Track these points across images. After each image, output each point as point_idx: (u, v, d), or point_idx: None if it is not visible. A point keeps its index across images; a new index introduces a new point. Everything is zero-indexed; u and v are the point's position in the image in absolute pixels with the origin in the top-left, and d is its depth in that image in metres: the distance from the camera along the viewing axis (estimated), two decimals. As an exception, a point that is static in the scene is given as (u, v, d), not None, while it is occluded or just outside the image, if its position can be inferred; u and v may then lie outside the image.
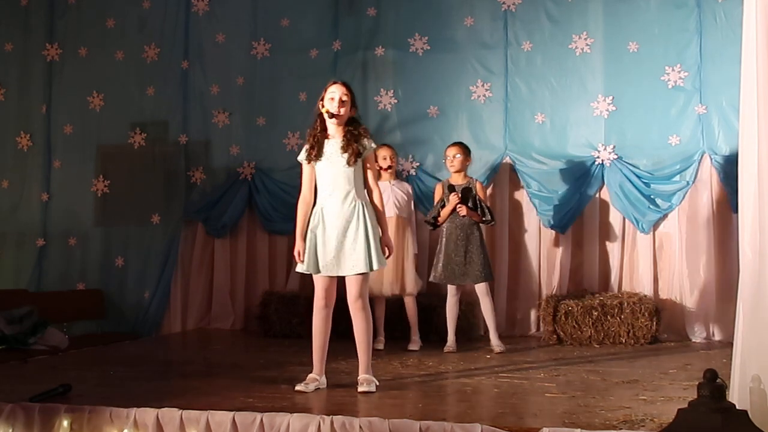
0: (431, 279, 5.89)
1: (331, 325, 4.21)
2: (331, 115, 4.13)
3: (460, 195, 5.75)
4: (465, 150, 5.95)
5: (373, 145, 4.21)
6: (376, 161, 6.09)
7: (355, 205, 4.09)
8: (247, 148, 7.38)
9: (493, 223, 5.94)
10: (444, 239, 5.80)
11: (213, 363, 5.40)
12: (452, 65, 6.97)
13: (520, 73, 6.86)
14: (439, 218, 5.83)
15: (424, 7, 7.06)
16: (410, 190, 6.17)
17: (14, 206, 7.65)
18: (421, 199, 6.81)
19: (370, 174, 4.21)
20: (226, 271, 7.32)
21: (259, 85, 7.38)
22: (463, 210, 5.72)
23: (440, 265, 5.77)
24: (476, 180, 6.04)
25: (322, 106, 4.16)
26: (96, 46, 7.61)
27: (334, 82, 4.21)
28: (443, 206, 5.82)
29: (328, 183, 4.14)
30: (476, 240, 5.75)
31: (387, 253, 4.17)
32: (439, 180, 6.74)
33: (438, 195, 5.94)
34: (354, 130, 4.16)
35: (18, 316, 5.84)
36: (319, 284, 4.14)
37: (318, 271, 4.11)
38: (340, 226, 4.07)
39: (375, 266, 4.07)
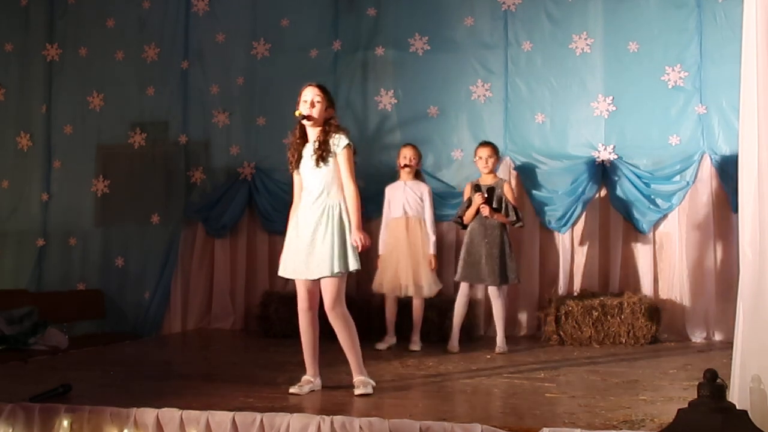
0: (456, 278, 5.87)
1: (318, 327, 4.17)
2: (303, 117, 4.11)
3: (485, 195, 5.72)
4: (497, 151, 5.94)
5: (345, 141, 4.09)
6: (397, 159, 6.09)
7: (325, 207, 4.06)
8: (247, 148, 7.37)
9: (520, 224, 5.86)
10: (467, 239, 5.79)
11: (213, 363, 5.40)
12: (452, 65, 6.97)
13: (520, 73, 6.86)
14: (464, 218, 5.81)
15: (424, 7, 7.06)
16: (426, 192, 6.00)
17: (14, 206, 7.65)
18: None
19: (342, 170, 4.11)
20: (226, 271, 7.31)
21: (259, 85, 7.38)
22: (486, 210, 5.70)
23: (461, 263, 5.76)
24: (505, 180, 5.99)
25: (297, 110, 4.14)
26: (96, 46, 7.61)
27: (309, 85, 4.19)
28: (469, 206, 5.80)
29: (305, 186, 4.16)
30: (497, 241, 5.69)
31: (359, 248, 4.03)
32: (440, 180, 6.79)
33: (465, 195, 5.90)
34: (327, 129, 4.14)
35: (18, 316, 5.84)
36: (299, 287, 4.13)
37: (293, 275, 4.09)
38: (311, 228, 4.05)
39: (342, 268, 3.99)
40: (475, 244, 5.73)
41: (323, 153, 4.08)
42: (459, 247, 6.39)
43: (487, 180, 5.87)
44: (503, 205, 5.77)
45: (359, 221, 4.08)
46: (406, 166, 6.04)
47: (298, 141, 4.21)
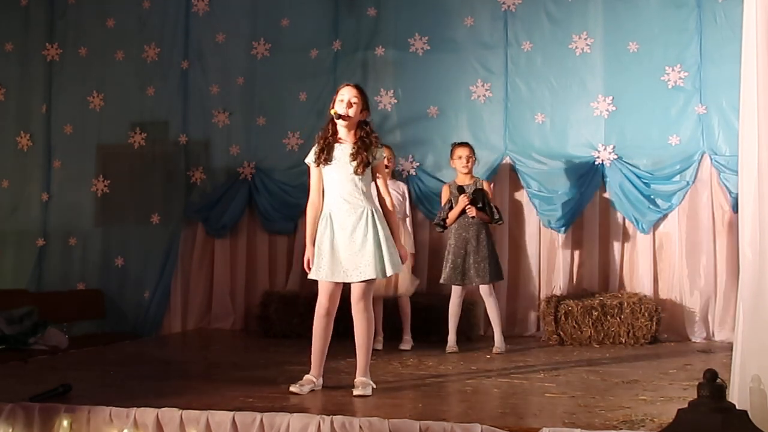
0: (441, 281, 5.87)
1: (332, 331, 4.17)
2: (338, 116, 4.08)
3: (470, 196, 5.73)
4: (474, 151, 5.95)
5: (384, 154, 4.19)
6: None
7: (363, 211, 4.05)
8: (247, 148, 7.37)
9: (501, 222, 5.92)
10: (452, 240, 5.79)
11: (213, 363, 5.40)
12: (452, 65, 6.97)
13: (520, 73, 6.86)
14: (447, 220, 5.81)
15: (424, 7, 7.06)
16: (405, 190, 6.09)
17: (14, 206, 7.65)
18: (421, 199, 6.82)
19: (380, 182, 4.18)
20: (226, 271, 7.31)
21: (259, 85, 7.38)
22: (472, 211, 5.70)
23: (448, 266, 5.76)
24: (482, 179, 6.02)
25: (332, 109, 4.13)
26: (96, 46, 7.61)
27: (347, 85, 4.18)
28: (451, 208, 5.79)
29: (337, 188, 4.10)
30: (484, 240, 5.72)
31: (404, 260, 4.20)
32: (440, 180, 6.77)
33: (445, 197, 5.91)
34: (366, 138, 4.12)
35: (18, 316, 5.84)
36: (324, 290, 4.10)
37: (329, 278, 4.06)
38: (348, 232, 4.03)
39: (389, 272, 4.03)
40: (460, 245, 5.73)
41: (367, 161, 4.07)
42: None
43: (465, 180, 5.87)
44: (486, 204, 5.77)
45: (399, 233, 4.28)
46: (385, 167, 6.05)
47: (330, 138, 4.15)
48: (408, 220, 6.04)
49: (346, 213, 4.06)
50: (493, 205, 5.82)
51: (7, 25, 7.77)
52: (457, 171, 5.93)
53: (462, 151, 5.87)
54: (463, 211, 5.73)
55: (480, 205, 5.74)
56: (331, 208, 4.11)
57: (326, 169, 4.13)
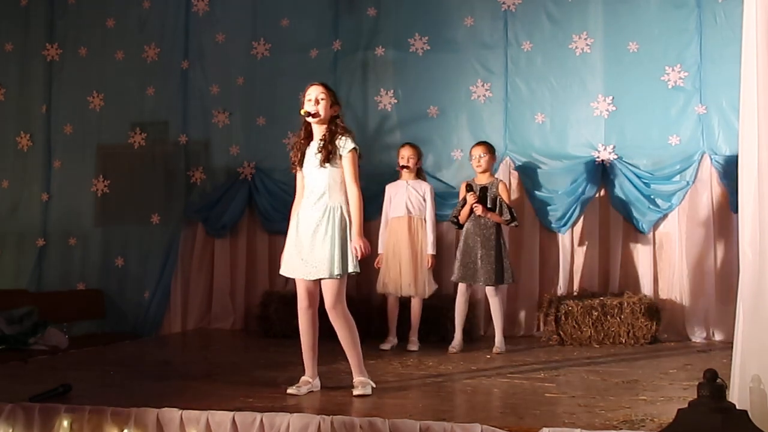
0: (452, 279, 5.87)
1: (318, 326, 4.15)
2: (309, 114, 4.09)
3: (477, 194, 5.73)
4: (491, 149, 5.95)
5: (351, 145, 4.06)
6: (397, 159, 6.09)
7: (326, 208, 4.03)
8: (247, 148, 7.38)
9: (514, 224, 5.86)
10: (463, 238, 5.80)
11: (213, 363, 5.40)
12: (452, 65, 6.97)
13: (520, 73, 6.86)
14: (459, 218, 5.81)
15: (424, 7, 7.06)
16: (428, 192, 6.00)
17: (14, 206, 7.66)
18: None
19: (346, 173, 4.07)
20: (226, 271, 7.31)
21: (259, 85, 7.38)
22: (479, 210, 5.70)
23: (457, 263, 5.77)
24: (500, 180, 6.00)
25: (302, 109, 4.13)
26: (96, 46, 7.62)
27: (311, 84, 4.18)
28: (464, 206, 5.81)
29: (308, 185, 4.13)
30: (492, 241, 5.70)
31: (358, 255, 3.98)
32: (440, 180, 6.78)
33: (462, 194, 5.90)
34: (333, 128, 4.11)
35: (18, 316, 5.85)
36: (300, 286, 4.11)
37: (287, 273, 4.10)
38: (311, 228, 4.03)
39: (341, 270, 3.95)
40: (469, 244, 5.74)
41: (329, 153, 4.04)
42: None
43: (482, 179, 5.89)
44: (498, 205, 5.76)
45: (360, 228, 4.03)
46: (404, 167, 6.04)
47: (302, 141, 4.18)
48: (430, 222, 5.95)
49: (311, 209, 4.07)
50: (507, 207, 5.78)
51: (7, 25, 7.78)
52: (475, 171, 5.95)
53: (474, 151, 5.92)
54: (472, 210, 5.72)
55: (490, 205, 5.73)
56: (301, 206, 4.14)
57: (304, 171, 4.17)
